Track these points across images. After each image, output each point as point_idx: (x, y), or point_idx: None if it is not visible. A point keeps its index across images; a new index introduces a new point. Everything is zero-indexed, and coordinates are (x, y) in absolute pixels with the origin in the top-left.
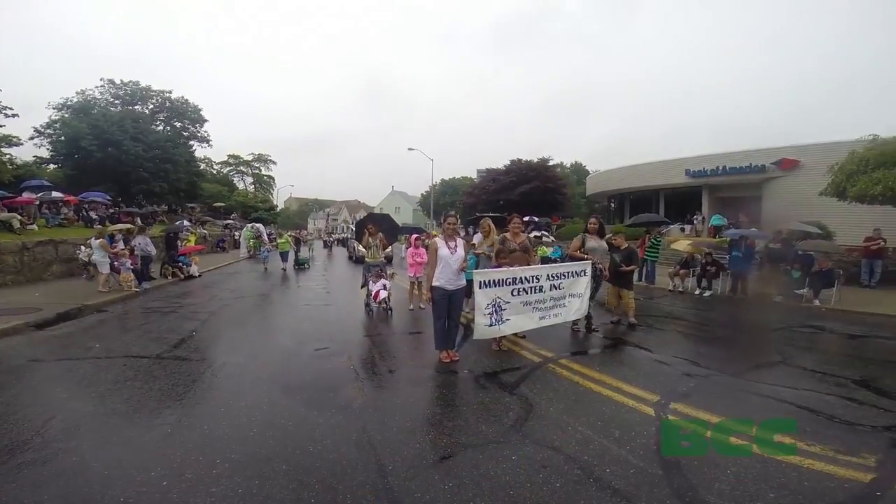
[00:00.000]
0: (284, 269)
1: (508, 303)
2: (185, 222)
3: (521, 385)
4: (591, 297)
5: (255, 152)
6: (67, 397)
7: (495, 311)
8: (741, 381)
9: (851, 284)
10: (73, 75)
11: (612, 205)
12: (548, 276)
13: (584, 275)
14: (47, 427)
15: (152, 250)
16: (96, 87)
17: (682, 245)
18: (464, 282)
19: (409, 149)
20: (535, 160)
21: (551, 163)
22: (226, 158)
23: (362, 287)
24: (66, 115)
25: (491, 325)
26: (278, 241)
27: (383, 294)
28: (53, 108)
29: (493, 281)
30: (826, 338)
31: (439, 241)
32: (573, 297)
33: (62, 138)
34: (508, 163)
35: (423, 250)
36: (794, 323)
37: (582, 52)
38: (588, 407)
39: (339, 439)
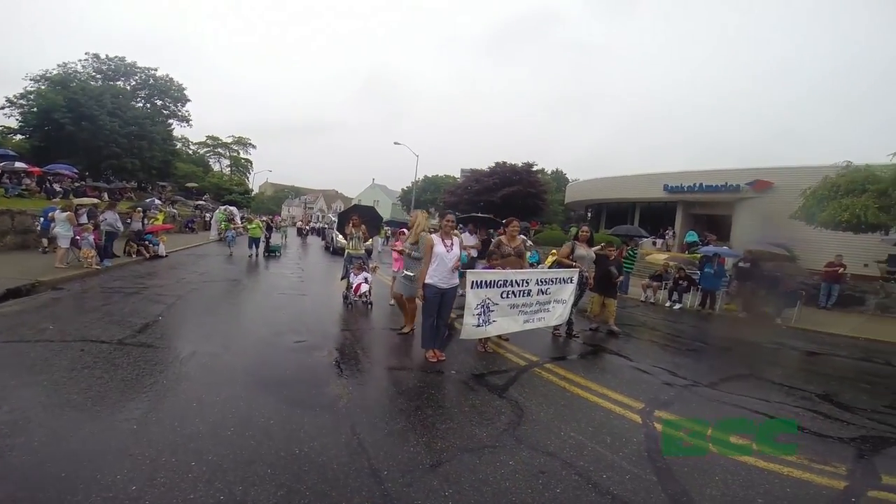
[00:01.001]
0: (253, 257)
1: (497, 304)
2: (156, 200)
3: (510, 388)
4: (574, 305)
5: (234, 135)
6: (15, 385)
7: (483, 311)
8: (717, 392)
9: (809, 305)
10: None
11: (589, 214)
12: (537, 280)
13: (571, 282)
14: None
15: (120, 226)
16: (79, 60)
17: (658, 258)
18: (457, 280)
19: (396, 143)
20: (520, 164)
21: (535, 168)
22: (204, 139)
23: (342, 279)
24: (43, 87)
25: (478, 326)
26: (249, 226)
27: (364, 287)
28: (31, 80)
29: (485, 282)
30: (789, 354)
31: (436, 237)
32: (557, 303)
33: (34, 109)
34: (493, 164)
35: None
36: (760, 339)
37: (570, 62)
38: (577, 412)
39: (328, 441)
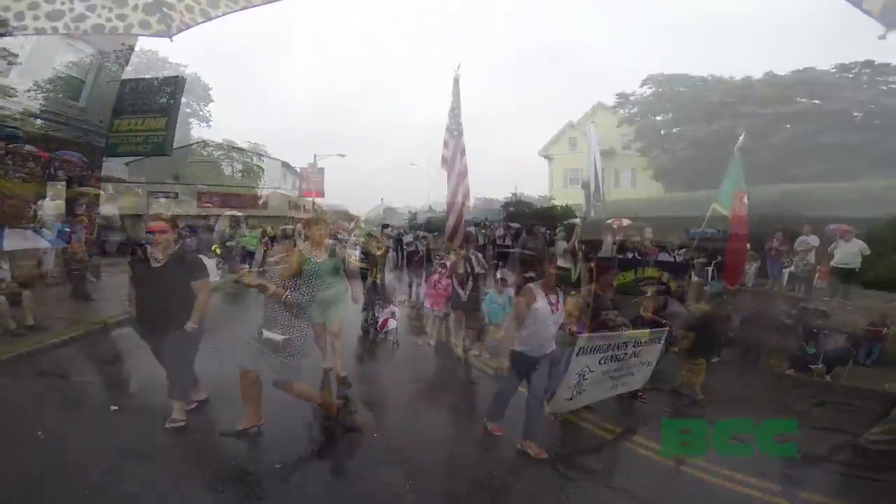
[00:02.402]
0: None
1: (592, 372)
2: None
3: (614, 474)
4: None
5: (250, 140)
6: None
7: (579, 381)
8: (860, 469)
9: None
10: None
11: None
12: (634, 342)
13: (660, 342)
14: None
15: None
16: (114, 51)
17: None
18: (553, 346)
19: (412, 164)
20: (536, 196)
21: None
22: (220, 141)
23: (364, 310)
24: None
25: (570, 399)
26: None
27: (392, 324)
28: (63, 67)
29: (592, 348)
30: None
31: (537, 289)
32: (643, 365)
33: (60, 96)
34: (509, 196)
35: (447, 281)
36: (825, 399)
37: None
38: None
39: None
